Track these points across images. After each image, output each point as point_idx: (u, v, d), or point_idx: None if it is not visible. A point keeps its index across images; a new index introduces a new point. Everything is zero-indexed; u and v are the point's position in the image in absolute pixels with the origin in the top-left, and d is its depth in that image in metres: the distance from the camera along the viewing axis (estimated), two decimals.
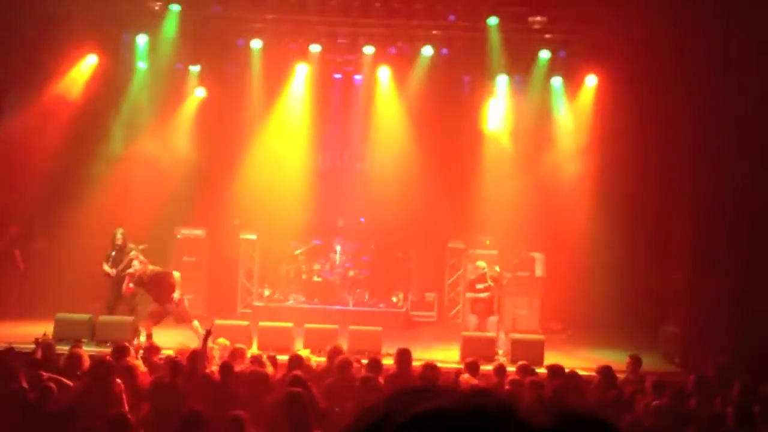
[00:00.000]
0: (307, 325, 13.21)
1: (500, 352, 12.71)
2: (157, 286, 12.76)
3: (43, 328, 11.65)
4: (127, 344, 9.87)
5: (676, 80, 14.25)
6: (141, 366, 9.24)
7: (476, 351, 11.87)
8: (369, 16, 15.54)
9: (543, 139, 17.11)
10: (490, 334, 13.34)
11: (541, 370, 10.51)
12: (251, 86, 17.23)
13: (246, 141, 17.36)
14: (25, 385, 7.93)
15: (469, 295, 14.57)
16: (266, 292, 16.86)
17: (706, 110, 13.93)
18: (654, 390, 8.89)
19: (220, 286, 16.87)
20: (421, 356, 11.24)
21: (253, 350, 11.41)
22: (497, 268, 14.45)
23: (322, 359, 10.57)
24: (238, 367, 9.24)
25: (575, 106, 16.97)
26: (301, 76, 17.39)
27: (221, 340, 10.83)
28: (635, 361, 10.64)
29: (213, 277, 16.86)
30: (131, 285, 13.10)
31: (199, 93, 17.61)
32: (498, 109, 17.26)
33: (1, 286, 15.71)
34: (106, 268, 13.94)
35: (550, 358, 11.76)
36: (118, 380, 8.22)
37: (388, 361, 10.44)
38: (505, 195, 16.52)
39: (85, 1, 15.07)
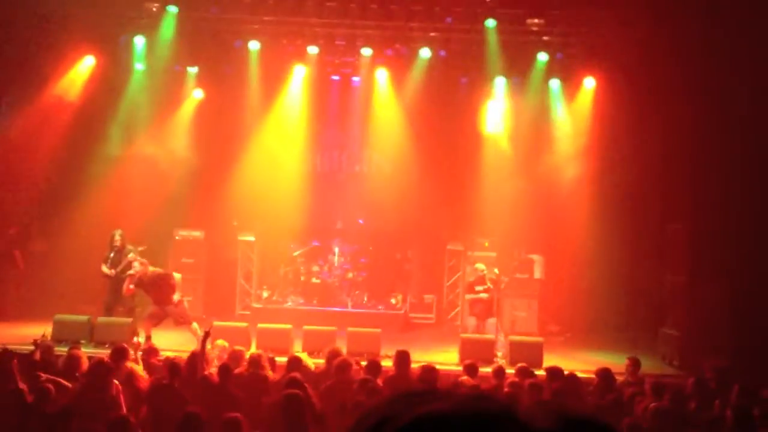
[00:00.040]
0: (306, 327, 13.21)
1: (499, 354, 12.71)
2: (158, 288, 12.75)
3: (42, 329, 11.64)
4: (125, 346, 9.85)
5: (674, 82, 14.25)
6: (139, 369, 9.23)
7: (475, 353, 11.87)
8: (367, 18, 15.53)
9: (541, 142, 17.10)
10: (489, 336, 13.33)
11: (540, 373, 10.50)
12: (249, 88, 17.22)
13: (244, 142, 17.34)
14: (21, 385, 7.92)
15: (468, 296, 14.57)
16: (265, 294, 16.86)
17: (704, 112, 13.94)
18: (653, 392, 8.89)
19: (218, 288, 16.86)
20: (419, 358, 11.23)
21: (252, 350, 11.37)
22: (496, 270, 14.45)
23: (320, 361, 10.56)
24: (237, 370, 9.23)
25: (573, 108, 16.97)
26: (299, 78, 17.39)
27: (220, 342, 10.82)
28: (634, 364, 10.63)
29: (211, 278, 16.85)
30: (131, 286, 13.09)
31: (197, 94, 17.62)
32: (496, 111, 17.25)
33: None
34: (105, 269, 13.94)
35: (549, 360, 11.77)
36: (116, 382, 8.20)
37: (386, 363, 10.42)
38: (503, 197, 16.52)
39: (83, 2, 15.06)
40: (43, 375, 8.33)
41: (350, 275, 16.84)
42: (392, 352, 10.48)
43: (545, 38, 16.04)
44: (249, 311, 16.19)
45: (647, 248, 15.72)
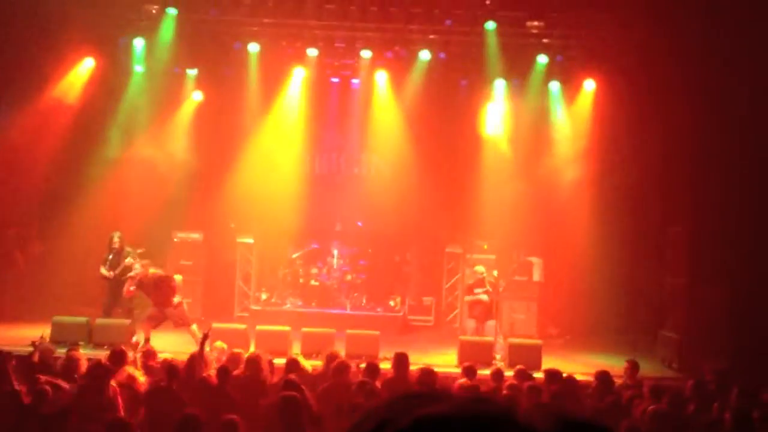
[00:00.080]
0: (305, 329, 13.20)
1: (498, 356, 12.71)
2: (159, 290, 12.73)
3: (41, 331, 11.63)
4: (123, 349, 9.83)
5: (674, 84, 14.25)
6: (138, 374, 9.20)
7: (474, 355, 11.86)
8: (366, 20, 15.53)
9: (541, 144, 17.11)
10: (488, 338, 13.32)
11: (539, 375, 10.49)
12: (248, 90, 17.23)
13: (243, 144, 17.34)
14: (19, 387, 7.90)
15: (467, 298, 14.55)
16: (263, 296, 16.85)
17: (704, 114, 13.95)
18: (652, 395, 8.87)
19: (217, 290, 16.86)
20: (418, 361, 11.20)
21: (251, 350, 11.35)
22: (495, 273, 14.43)
23: (318, 363, 10.55)
24: (235, 372, 9.21)
25: (573, 110, 16.97)
26: (298, 80, 17.40)
27: (219, 344, 10.81)
28: (632, 366, 10.62)
29: (210, 280, 16.84)
30: (132, 288, 13.08)
31: (196, 96, 17.62)
32: (496, 113, 17.25)
33: None
34: (103, 271, 13.94)
35: (549, 362, 11.74)
36: (113, 384, 8.19)
37: (385, 366, 10.41)
38: (503, 199, 16.51)
39: (83, 4, 15.07)
40: (41, 377, 8.31)
41: (349, 277, 16.85)
42: (391, 355, 10.46)
43: (545, 41, 16.04)
44: (247, 313, 16.18)
45: (647, 250, 15.72)
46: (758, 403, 8.63)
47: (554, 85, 16.94)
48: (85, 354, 9.83)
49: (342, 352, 11.57)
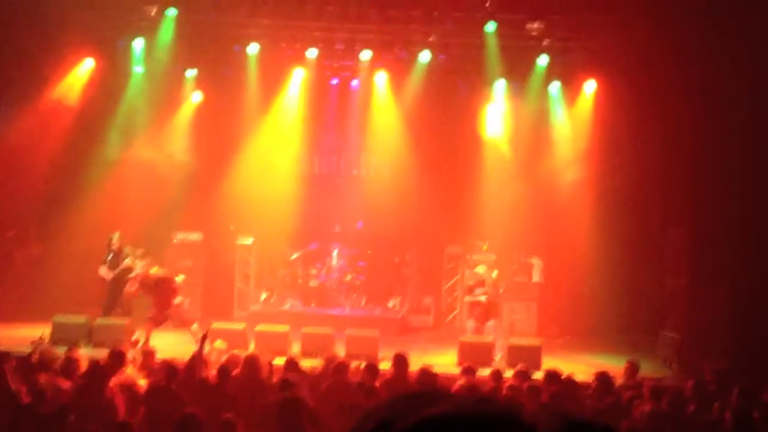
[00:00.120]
0: (305, 329, 13.20)
1: (497, 357, 12.70)
2: (161, 291, 12.72)
3: (40, 331, 11.61)
4: (123, 350, 9.81)
5: (674, 85, 14.25)
6: (136, 373, 9.19)
7: (473, 356, 11.85)
8: (366, 21, 15.51)
9: (541, 145, 17.09)
10: (488, 338, 13.31)
11: (538, 376, 10.47)
12: (248, 91, 17.21)
13: (242, 145, 17.32)
14: (16, 387, 7.89)
15: (467, 299, 14.53)
16: (263, 296, 16.84)
17: (705, 115, 13.95)
18: (652, 395, 8.85)
19: (216, 291, 16.83)
20: (417, 361, 11.18)
21: (250, 350, 11.34)
22: (494, 275, 14.41)
23: (317, 362, 10.54)
24: (234, 372, 9.20)
25: (574, 111, 16.96)
26: (298, 81, 17.38)
27: (218, 344, 10.80)
28: (632, 367, 10.61)
29: (209, 281, 16.81)
30: (133, 288, 13.07)
31: (196, 97, 17.60)
32: (496, 114, 17.24)
33: None
34: (102, 271, 13.92)
35: (549, 363, 11.73)
36: (112, 384, 8.18)
37: (384, 366, 10.40)
38: (503, 200, 16.50)
39: (82, 5, 15.06)
40: (41, 376, 8.30)
41: (348, 278, 16.84)
42: (390, 355, 10.45)
43: (545, 42, 16.01)
44: (246, 314, 16.16)
45: (648, 251, 15.72)
46: (758, 404, 8.62)
47: (554, 87, 16.91)
48: (85, 354, 9.81)
49: (342, 353, 11.56)
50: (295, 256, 17.01)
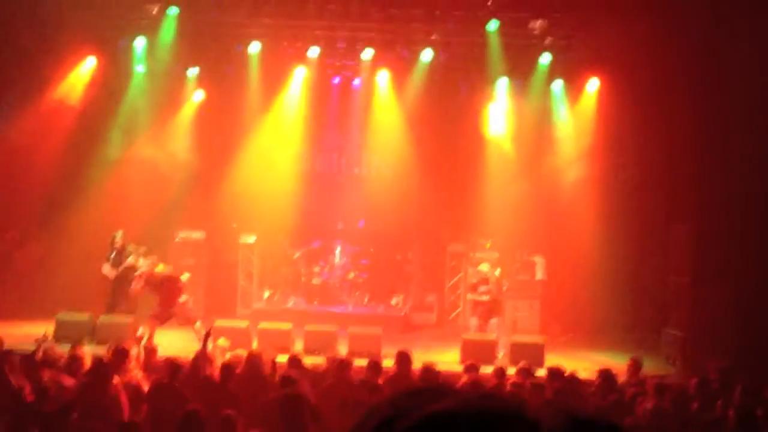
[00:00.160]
0: (308, 327, 13.21)
1: (500, 354, 12.69)
2: (166, 290, 12.73)
3: (44, 328, 11.60)
4: (125, 347, 9.82)
5: (678, 82, 14.23)
6: (139, 374, 9.19)
7: (476, 353, 11.84)
8: (368, 20, 15.51)
9: (544, 143, 17.07)
10: (491, 336, 13.31)
11: (541, 373, 10.47)
12: (249, 90, 17.20)
13: (244, 144, 17.32)
14: (19, 384, 7.90)
15: (470, 296, 14.53)
16: (266, 294, 16.85)
17: (709, 112, 13.92)
18: (655, 393, 8.85)
19: (219, 289, 16.84)
20: (420, 359, 11.18)
21: (253, 347, 11.33)
22: (497, 273, 14.41)
23: (320, 360, 10.56)
24: (237, 369, 9.21)
25: (576, 109, 16.93)
26: (300, 80, 17.37)
27: (221, 341, 10.80)
28: (635, 364, 10.60)
29: (212, 279, 16.82)
30: (139, 286, 13.08)
31: (198, 96, 17.59)
32: (498, 113, 17.22)
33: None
34: (106, 269, 13.93)
35: (551, 360, 11.73)
36: (116, 381, 8.19)
37: (387, 363, 10.40)
38: (505, 198, 16.48)
39: (83, 5, 15.06)
40: (45, 374, 8.31)
41: (351, 276, 16.85)
42: (393, 353, 10.45)
43: (548, 40, 15.98)
44: (249, 312, 16.17)
45: (651, 249, 15.71)
46: (762, 401, 8.61)
47: (557, 85, 16.88)
48: (88, 351, 9.82)
49: (344, 350, 11.56)
50: (298, 254, 17.01)
